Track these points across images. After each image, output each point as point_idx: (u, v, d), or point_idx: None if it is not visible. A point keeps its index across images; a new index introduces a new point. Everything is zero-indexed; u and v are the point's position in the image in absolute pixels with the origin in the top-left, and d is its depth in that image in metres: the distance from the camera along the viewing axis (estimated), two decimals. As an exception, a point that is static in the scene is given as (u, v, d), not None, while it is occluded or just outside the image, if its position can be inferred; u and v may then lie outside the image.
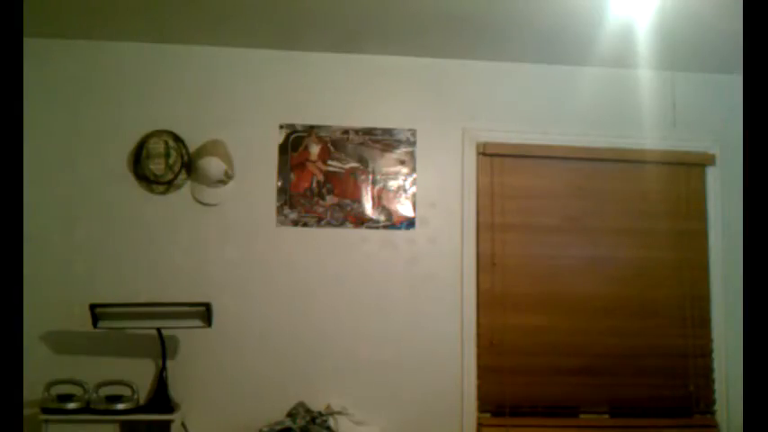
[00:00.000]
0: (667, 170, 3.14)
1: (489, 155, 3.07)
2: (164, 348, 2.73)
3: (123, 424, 2.58)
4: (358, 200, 2.99)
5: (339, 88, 3.05)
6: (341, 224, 2.97)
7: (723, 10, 2.52)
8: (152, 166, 2.88)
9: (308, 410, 2.73)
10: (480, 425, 2.92)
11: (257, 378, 2.86)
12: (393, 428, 2.86)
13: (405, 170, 3.03)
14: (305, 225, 2.96)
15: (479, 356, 2.96)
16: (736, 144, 3.14)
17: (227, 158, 2.90)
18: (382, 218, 3.00)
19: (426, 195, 3.03)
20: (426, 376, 2.93)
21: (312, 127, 3.01)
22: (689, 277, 3.10)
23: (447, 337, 2.95)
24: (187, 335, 2.83)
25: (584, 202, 3.09)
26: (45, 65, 2.92)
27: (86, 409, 2.58)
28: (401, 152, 3.04)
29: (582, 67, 3.15)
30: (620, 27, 2.70)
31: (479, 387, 2.94)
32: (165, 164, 2.88)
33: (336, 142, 3.01)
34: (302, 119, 3.01)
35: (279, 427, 2.62)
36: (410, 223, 3.00)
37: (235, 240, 2.92)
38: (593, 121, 3.13)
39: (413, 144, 3.04)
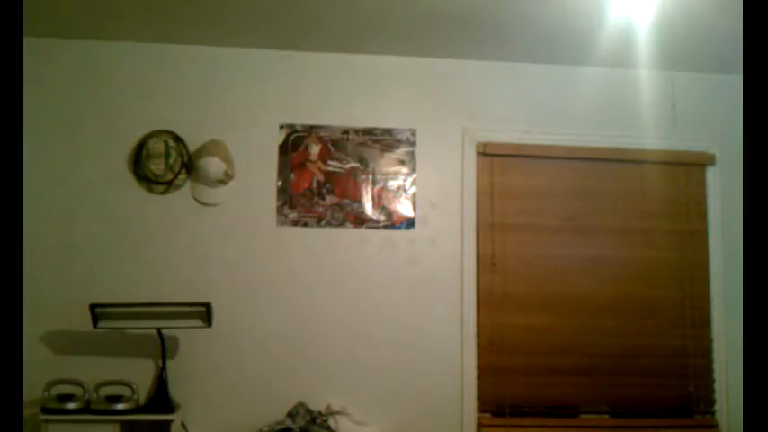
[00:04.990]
0: (667, 170, 3.14)
1: (489, 155, 3.07)
2: (164, 348, 2.73)
3: (123, 424, 2.58)
4: (358, 200, 2.99)
5: (339, 88, 3.05)
6: (341, 224, 2.97)
7: (723, 10, 2.52)
8: (152, 167, 2.88)
9: (308, 410, 2.73)
10: (480, 425, 2.92)
11: (257, 378, 2.86)
12: (393, 428, 2.86)
13: (405, 170, 3.03)
14: (305, 225, 2.96)
15: (479, 356, 2.96)
16: (736, 144, 3.14)
17: (227, 158, 2.90)
18: (382, 218, 3.00)
19: (426, 195, 3.03)
20: (426, 376, 2.92)
21: (312, 127, 3.01)
22: (689, 277, 3.10)
23: (447, 338, 2.95)
24: (187, 335, 2.83)
25: (584, 202, 3.09)
26: (45, 65, 2.92)
27: (86, 409, 2.57)
28: (401, 152, 3.04)
29: (582, 67, 3.15)
30: (620, 27, 2.70)
31: (479, 387, 2.94)
32: (165, 164, 2.88)
33: (336, 142, 3.01)
34: (302, 119, 3.01)
35: (279, 427, 2.62)
36: (410, 223, 3.00)
37: (235, 240, 2.92)
38: (593, 120, 3.13)
39: (413, 144, 3.04)
